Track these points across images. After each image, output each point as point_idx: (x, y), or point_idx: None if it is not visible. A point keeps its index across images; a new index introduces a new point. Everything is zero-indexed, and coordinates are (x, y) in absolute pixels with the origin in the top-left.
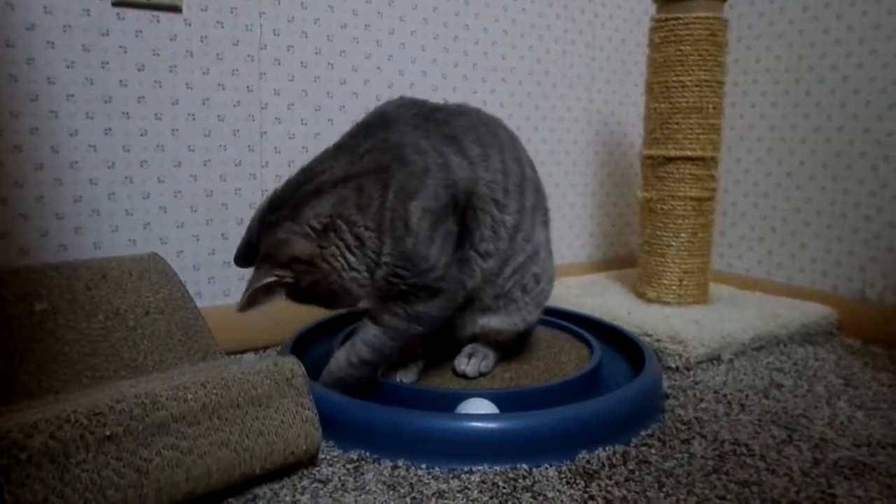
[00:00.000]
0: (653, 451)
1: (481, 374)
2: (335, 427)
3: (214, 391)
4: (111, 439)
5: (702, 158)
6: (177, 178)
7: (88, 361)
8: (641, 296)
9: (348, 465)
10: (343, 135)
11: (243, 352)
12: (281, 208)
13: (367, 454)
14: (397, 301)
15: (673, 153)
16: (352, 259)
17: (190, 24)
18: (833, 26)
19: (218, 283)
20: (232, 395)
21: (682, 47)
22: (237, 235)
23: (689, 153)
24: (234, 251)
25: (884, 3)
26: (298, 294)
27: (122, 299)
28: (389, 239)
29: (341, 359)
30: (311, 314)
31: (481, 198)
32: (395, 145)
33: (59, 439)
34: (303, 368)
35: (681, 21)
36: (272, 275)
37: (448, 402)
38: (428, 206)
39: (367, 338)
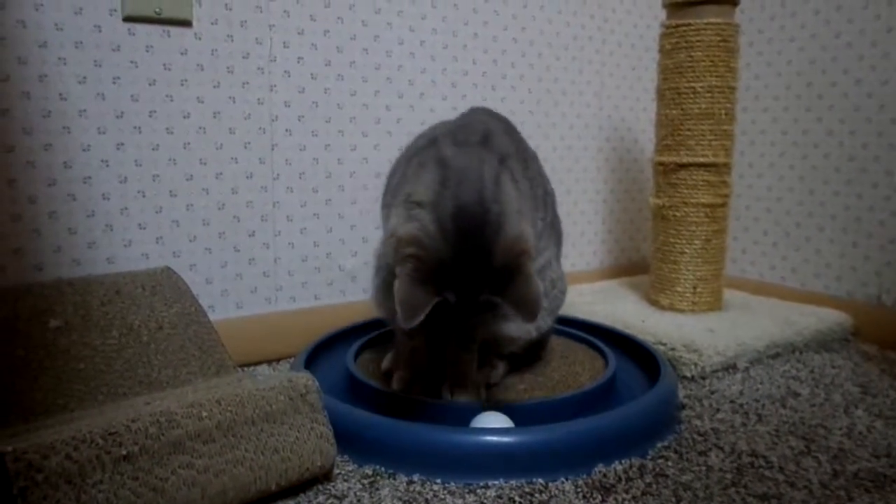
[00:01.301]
0: (670, 463)
1: (490, 385)
2: (350, 442)
3: (229, 408)
4: (127, 459)
5: (714, 164)
6: (189, 192)
7: (103, 378)
8: (654, 303)
9: (363, 481)
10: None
11: (257, 364)
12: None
13: (383, 469)
14: None
15: (685, 159)
16: None
17: (200, 38)
18: (845, 30)
19: (231, 296)
20: (246, 413)
21: (693, 53)
22: (249, 248)
23: (701, 159)
24: (245, 264)
25: None
26: None
27: (135, 315)
28: None
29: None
30: (321, 324)
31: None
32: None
33: (75, 460)
34: (317, 384)
35: (691, 27)
36: None
37: (460, 416)
38: None
39: None
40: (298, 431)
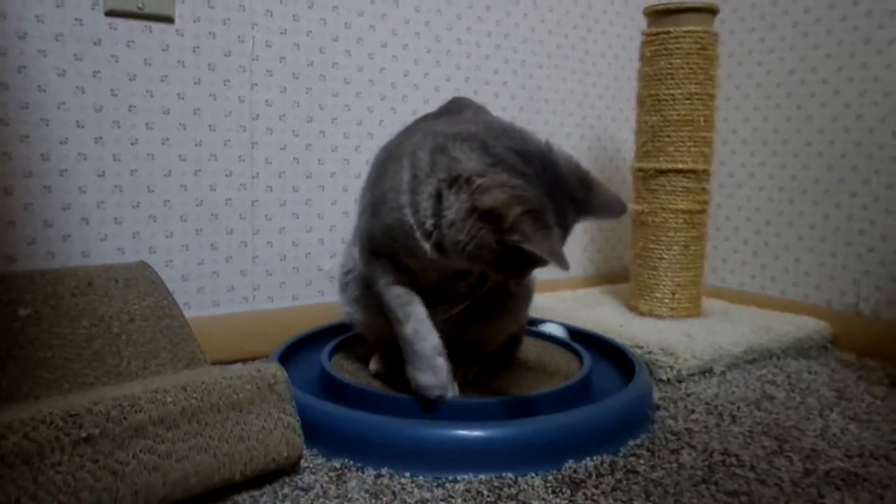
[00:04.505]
0: (641, 460)
1: (464, 383)
2: (319, 435)
3: (195, 395)
4: (87, 441)
5: (693, 171)
6: (167, 188)
7: (71, 367)
8: (634, 309)
9: (331, 473)
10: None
11: (231, 362)
12: None
13: (351, 462)
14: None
15: (664, 166)
16: None
17: (182, 35)
18: (823, 41)
19: (207, 294)
20: (212, 400)
21: (672, 60)
22: (227, 245)
23: (680, 165)
24: (223, 262)
25: (874, 18)
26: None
27: (107, 306)
28: None
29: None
30: (298, 324)
31: None
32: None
33: (33, 440)
34: (286, 374)
35: (671, 35)
36: None
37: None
38: None
39: (448, 312)
40: (265, 421)
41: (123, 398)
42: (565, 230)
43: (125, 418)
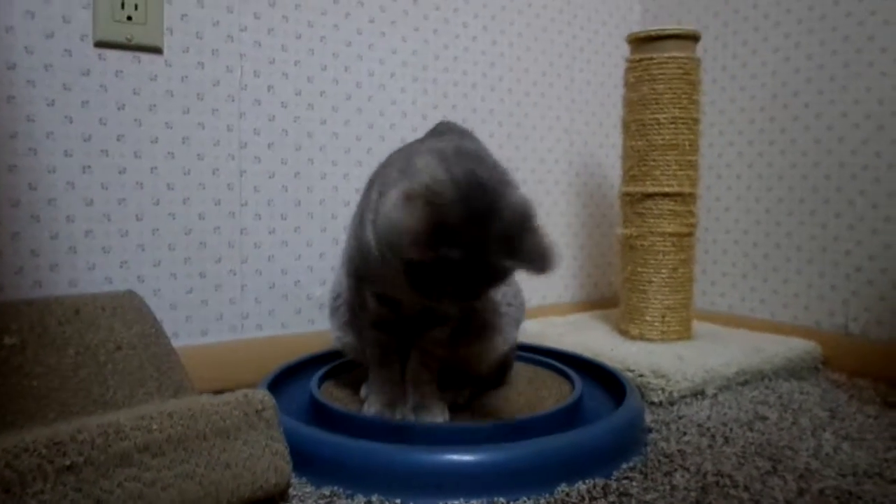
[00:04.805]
0: (634, 483)
1: (454, 407)
2: (308, 463)
3: (181, 422)
4: (71, 469)
5: (680, 194)
6: (155, 216)
7: (56, 396)
8: (624, 333)
9: (320, 501)
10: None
11: (220, 391)
12: None
13: (341, 490)
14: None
15: (651, 189)
16: None
17: (171, 65)
18: (804, 66)
19: (195, 323)
20: (199, 426)
21: (656, 86)
22: (215, 274)
23: (667, 189)
24: (211, 290)
25: (852, 42)
26: None
27: (93, 335)
28: None
29: (419, 371)
30: (288, 353)
31: None
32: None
33: (15, 469)
34: (273, 401)
35: (654, 61)
36: None
37: (423, 436)
38: None
39: (437, 338)
40: (252, 448)
41: (108, 425)
42: (481, 262)
43: (110, 446)
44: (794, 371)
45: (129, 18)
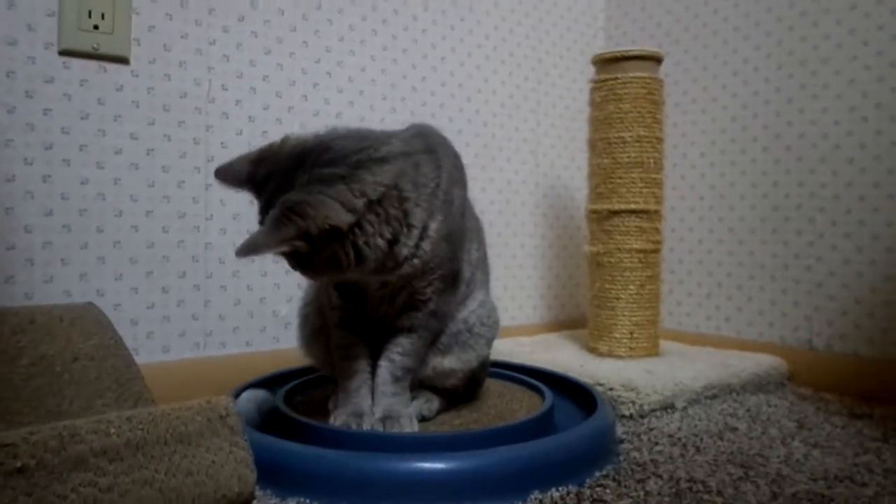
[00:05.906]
0: (608, 490)
1: (424, 419)
2: (273, 474)
3: (140, 426)
4: (22, 472)
5: (645, 211)
6: (117, 229)
7: (7, 406)
8: (593, 350)
9: None
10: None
11: None
12: (336, 164)
13: (307, 501)
14: (416, 302)
15: (617, 206)
16: (386, 232)
17: (137, 76)
18: (762, 88)
19: (156, 339)
20: (159, 431)
21: (621, 105)
22: (178, 289)
23: (632, 206)
24: (174, 306)
25: (808, 66)
26: (300, 260)
27: (49, 345)
28: (440, 217)
29: (387, 381)
30: (252, 371)
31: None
32: (436, 135)
33: None
34: (237, 407)
35: (619, 81)
36: (290, 244)
37: (391, 445)
38: (464, 197)
39: (404, 346)
40: (215, 455)
41: (63, 428)
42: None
43: (64, 449)
44: (761, 385)
45: (96, 27)
